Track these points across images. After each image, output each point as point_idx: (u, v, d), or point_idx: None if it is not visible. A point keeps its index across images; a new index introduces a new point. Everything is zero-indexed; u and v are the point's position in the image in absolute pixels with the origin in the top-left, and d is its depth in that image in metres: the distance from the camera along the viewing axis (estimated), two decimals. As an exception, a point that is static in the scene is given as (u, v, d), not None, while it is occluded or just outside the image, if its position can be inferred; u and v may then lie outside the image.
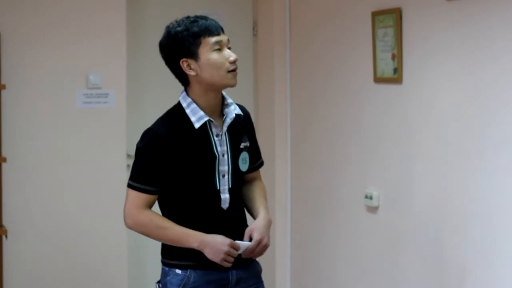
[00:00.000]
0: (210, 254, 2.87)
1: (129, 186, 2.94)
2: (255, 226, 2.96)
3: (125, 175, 4.78)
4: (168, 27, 2.96)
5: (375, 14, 4.18)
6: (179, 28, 2.91)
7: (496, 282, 3.43)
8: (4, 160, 4.56)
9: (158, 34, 5.05)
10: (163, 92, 5.03)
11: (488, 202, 3.46)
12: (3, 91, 4.62)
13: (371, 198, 4.27)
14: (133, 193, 2.92)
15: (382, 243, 4.25)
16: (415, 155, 3.96)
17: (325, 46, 4.77)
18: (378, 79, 4.21)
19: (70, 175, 4.87)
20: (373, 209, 4.29)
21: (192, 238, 2.88)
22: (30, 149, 4.78)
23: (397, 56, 4.01)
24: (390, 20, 4.05)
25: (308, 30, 4.96)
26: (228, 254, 2.87)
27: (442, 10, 3.70)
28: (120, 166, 4.95)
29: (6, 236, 4.58)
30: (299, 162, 5.08)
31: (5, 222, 4.65)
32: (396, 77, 4.04)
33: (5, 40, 4.66)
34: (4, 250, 4.66)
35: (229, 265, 2.90)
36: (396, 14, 4.00)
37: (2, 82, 4.60)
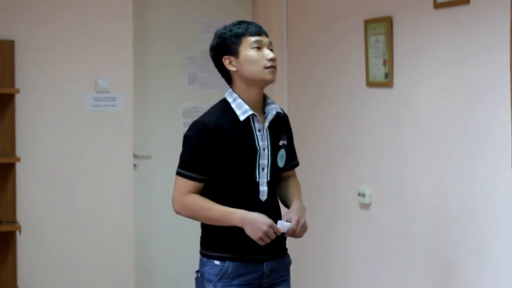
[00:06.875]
0: (249, 231, 2.91)
1: (178, 173, 3.00)
2: (291, 209, 3.04)
3: (132, 173, 4.93)
4: (216, 31, 3.08)
5: (367, 22, 4.25)
6: (223, 30, 3.04)
7: (481, 274, 3.52)
8: (18, 160, 4.57)
9: (163, 41, 5.26)
10: (168, 97, 5.19)
11: (474, 199, 3.54)
12: (17, 95, 4.65)
13: (363, 195, 4.34)
14: (181, 180, 2.99)
15: (374, 237, 4.30)
16: (406, 155, 4.02)
17: (320, 52, 4.81)
18: (370, 84, 4.27)
19: (79, 174, 4.90)
20: (365, 206, 4.35)
21: (234, 215, 2.93)
22: (42, 149, 4.81)
23: (388, 62, 4.08)
24: (382, 28, 4.12)
25: (305, 37, 5.01)
26: (266, 234, 2.91)
27: (430, 18, 3.79)
28: (127, 166, 4.98)
29: (19, 231, 4.59)
30: (296, 162, 5.17)
31: (18, 218, 4.68)
32: (387, 81, 4.11)
33: (18, 48, 4.70)
34: (18, 245, 4.67)
35: (264, 243, 2.92)
36: (387, 22, 4.07)
37: (16, 87, 4.65)
